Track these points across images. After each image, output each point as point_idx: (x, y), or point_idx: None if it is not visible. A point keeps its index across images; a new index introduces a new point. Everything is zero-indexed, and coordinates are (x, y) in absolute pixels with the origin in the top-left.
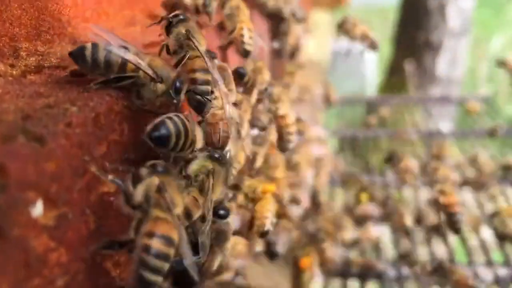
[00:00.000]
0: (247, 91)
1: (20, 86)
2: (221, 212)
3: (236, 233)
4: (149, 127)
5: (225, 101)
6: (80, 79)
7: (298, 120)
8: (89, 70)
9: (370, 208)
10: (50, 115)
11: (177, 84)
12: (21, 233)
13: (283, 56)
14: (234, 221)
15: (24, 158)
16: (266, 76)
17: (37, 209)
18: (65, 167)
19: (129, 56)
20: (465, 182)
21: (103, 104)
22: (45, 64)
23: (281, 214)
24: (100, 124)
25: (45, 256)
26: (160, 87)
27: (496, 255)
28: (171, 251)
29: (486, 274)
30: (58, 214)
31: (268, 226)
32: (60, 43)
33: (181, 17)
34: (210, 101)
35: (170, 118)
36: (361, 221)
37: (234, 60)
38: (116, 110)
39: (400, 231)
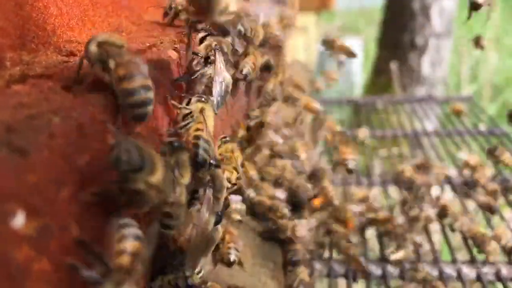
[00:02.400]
0: None
1: (4, 97)
2: None
3: None
4: None
5: None
6: (64, 91)
7: None
8: None
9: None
10: (33, 126)
11: None
12: (2, 244)
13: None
14: None
15: (6, 170)
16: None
17: (19, 220)
18: (47, 178)
19: None
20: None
21: (86, 113)
22: (30, 73)
23: None
24: (83, 133)
25: (27, 267)
26: None
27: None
28: None
29: (470, 272)
30: (40, 225)
31: None
32: (45, 52)
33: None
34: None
35: None
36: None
37: None
38: (98, 119)
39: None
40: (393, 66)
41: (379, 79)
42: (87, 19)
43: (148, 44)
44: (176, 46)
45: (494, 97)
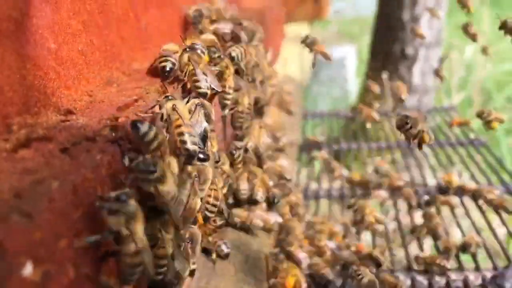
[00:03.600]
0: None
1: (12, 162)
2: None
3: None
4: None
5: None
6: (62, 153)
7: None
8: None
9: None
10: (37, 192)
11: None
12: None
13: None
14: None
15: (17, 232)
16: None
17: (27, 270)
18: (49, 234)
19: None
20: None
21: (79, 175)
22: (33, 136)
23: None
24: (77, 193)
25: None
26: None
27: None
28: None
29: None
30: (44, 271)
31: None
32: (46, 113)
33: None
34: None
35: None
36: None
37: None
38: (89, 178)
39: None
40: (385, 75)
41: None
42: (82, 76)
43: (135, 98)
44: (161, 98)
45: (484, 102)
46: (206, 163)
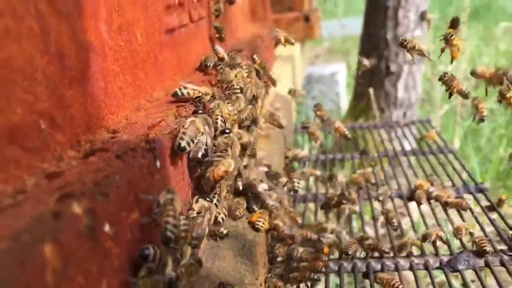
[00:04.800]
0: None
1: (87, 165)
2: None
3: None
4: None
5: None
6: (117, 159)
7: None
8: None
9: None
10: (108, 182)
11: None
12: None
13: None
14: None
15: (101, 205)
16: None
17: (107, 227)
18: (117, 208)
19: None
20: None
21: (130, 173)
22: (95, 148)
23: None
24: (130, 184)
25: None
26: None
27: None
28: None
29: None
30: (115, 230)
31: None
32: (100, 132)
33: None
34: None
35: None
36: None
37: None
38: (137, 174)
39: None
40: (371, 91)
41: (359, 103)
42: (120, 105)
43: (158, 120)
44: (177, 118)
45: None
46: None
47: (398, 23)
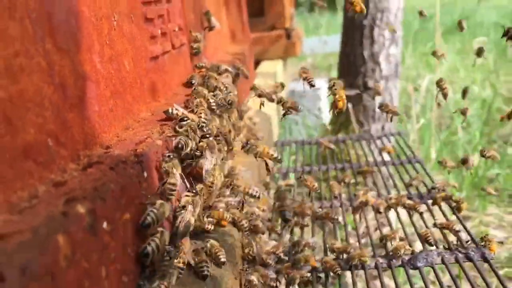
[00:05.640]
0: None
1: (86, 176)
2: None
3: None
4: None
5: None
6: (110, 170)
7: None
8: None
9: None
10: (105, 188)
11: None
12: None
13: None
14: None
15: (100, 207)
16: None
17: (104, 225)
18: (112, 209)
19: None
20: None
21: (123, 181)
22: (92, 161)
23: None
24: (123, 190)
25: None
26: None
27: None
28: None
29: (384, 261)
30: (111, 227)
31: None
32: (96, 148)
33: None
34: None
35: None
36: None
37: None
38: (128, 182)
39: None
40: (350, 106)
41: (339, 117)
42: (112, 125)
43: (145, 137)
44: (161, 136)
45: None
46: None
47: (374, 41)
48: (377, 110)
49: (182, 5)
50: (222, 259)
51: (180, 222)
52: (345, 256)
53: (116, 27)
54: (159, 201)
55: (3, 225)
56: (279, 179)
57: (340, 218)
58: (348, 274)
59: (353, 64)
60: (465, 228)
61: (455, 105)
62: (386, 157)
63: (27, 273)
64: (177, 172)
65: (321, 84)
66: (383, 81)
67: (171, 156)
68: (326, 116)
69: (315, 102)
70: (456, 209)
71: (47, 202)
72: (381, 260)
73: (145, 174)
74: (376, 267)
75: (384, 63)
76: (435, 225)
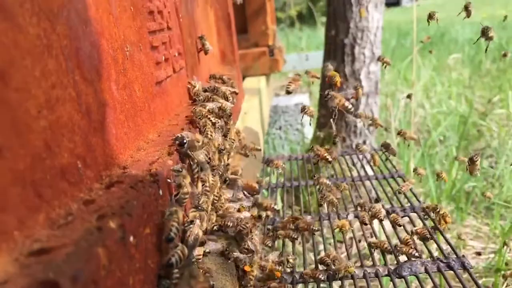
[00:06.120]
0: None
1: (110, 194)
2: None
3: None
4: None
5: None
6: (131, 188)
7: None
8: None
9: None
10: (128, 206)
11: None
12: None
13: None
14: None
15: (127, 222)
16: None
17: (131, 238)
18: (137, 224)
19: None
20: None
21: (143, 198)
22: (113, 181)
23: None
24: (144, 206)
25: None
26: None
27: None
28: None
29: (371, 270)
30: (136, 241)
31: None
32: (115, 169)
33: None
34: None
35: None
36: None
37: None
38: (147, 200)
39: None
40: (331, 121)
41: (322, 133)
42: (126, 147)
43: (156, 157)
44: (171, 156)
45: (421, 141)
46: None
47: (354, 58)
48: (359, 125)
49: (181, 32)
50: None
51: (189, 235)
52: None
53: (129, 57)
54: (174, 208)
55: (48, 239)
56: (268, 195)
57: (325, 231)
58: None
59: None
60: (445, 239)
61: (432, 119)
62: (370, 172)
63: (77, 282)
64: (187, 182)
65: (303, 99)
66: (364, 97)
67: (180, 170)
68: (309, 131)
69: (297, 117)
70: (440, 222)
71: (81, 218)
72: (368, 270)
73: (161, 192)
74: (364, 276)
75: (365, 80)
76: (412, 232)
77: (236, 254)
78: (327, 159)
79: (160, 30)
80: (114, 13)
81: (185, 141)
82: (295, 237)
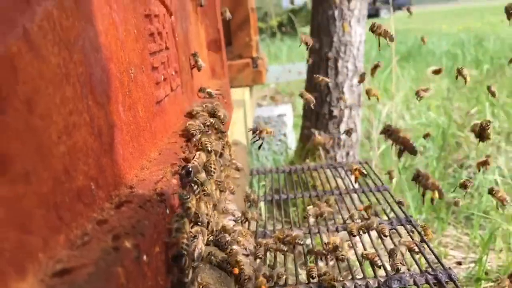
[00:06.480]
0: None
1: (121, 214)
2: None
3: None
4: None
5: None
6: (139, 208)
7: None
8: None
9: None
10: (140, 225)
11: None
12: None
13: None
14: None
15: (140, 241)
16: None
17: (144, 257)
18: (148, 244)
19: None
20: None
21: (153, 218)
22: (122, 201)
23: None
24: (154, 225)
25: None
26: None
27: None
28: None
29: (362, 283)
30: (148, 260)
31: None
32: (122, 188)
33: None
34: None
35: None
36: None
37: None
38: (156, 218)
39: None
40: (316, 132)
41: (306, 144)
42: (132, 166)
43: (161, 176)
44: (174, 175)
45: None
46: None
47: (338, 72)
48: (342, 137)
49: (177, 50)
50: None
51: (194, 250)
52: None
53: (133, 79)
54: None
55: (69, 259)
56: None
57: (308, 241)
58: None
59: (319, 93)
60: (432, 252)
61: (412, 130)
62: (355, 185)
63: None
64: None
65: (286, 109)
66: (348, 110)
67: (188, 197)
68: (292, 141)
69: (280, 127)
70: (423, 235)
71: (97, 238)
72: (359, 282)
73: (168, 211)
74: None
75: (348, 93)
76: (399, 242)
77: (221, 256)
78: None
79: (159, 51)
80: (120, 37)
81: (190, 170)
82: (286, 250)
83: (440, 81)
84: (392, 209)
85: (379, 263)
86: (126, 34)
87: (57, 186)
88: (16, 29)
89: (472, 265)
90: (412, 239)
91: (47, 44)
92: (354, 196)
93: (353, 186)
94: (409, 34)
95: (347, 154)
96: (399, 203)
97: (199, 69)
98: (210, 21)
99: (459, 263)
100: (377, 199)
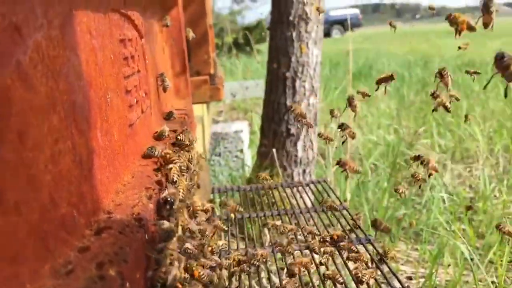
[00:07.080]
0: None
1: (101, 240)
2: None
3: None
4: None
5: None
6: (119, 234)
7: None
8: None
9: None
10: (122, 251)
11: None
12: None
13: None
14: None
15: (123, 267)
16: None
17: (127, 286)
18: (132, 267)
19: None
20: None
21: (133, 243)
22: (101, 226)
23: None
24: (134, 250)
25: None
26: None
27: None
28: None
29: None
30: (131, 285)
31: None
32: (100, 214)
33: None
34: None
35: None
36: None
37: None
38: (137, 244)
39: None
40: (274, 151)
41: (263, 162)
42: (108, 191)
43: (137, 201)
44: (150, 199)
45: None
46: None
47: (295, 91)
48: (299, 155)
49: (146, 72)
50: None
51: (168, 276)
52: None
53: (110, 103)
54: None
55: None
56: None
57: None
58: None
59: (277, 112)
60: (393, 274)
61: (363, 148)
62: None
63: None
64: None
65: (243, 126)
66: (305, 128)
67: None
68: (248, 158)
69: (236, 144)
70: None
71: (80, 266)
72: None
73: (147, 236)
74: None
75: (305, 111)
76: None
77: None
78: None
79: (132, 74)
80: (99, 63)
81: (173, 201)
82: (250, 270)
83: (389, 100)
84: (352, 228)
85: (341, 280)
86: (104, 59)
87: (44, 215)
88: (11, 62)
89: (422, 280)
90: (372, 259)
91: (37, 74)
92: (314, 215)
93: (312, 205)
94: (360, 54)
95: (304, 171)
96: (357, 225)
97: (164, 90)
98: (175, 40)
99: (410, 278)
100: (337, 218)
